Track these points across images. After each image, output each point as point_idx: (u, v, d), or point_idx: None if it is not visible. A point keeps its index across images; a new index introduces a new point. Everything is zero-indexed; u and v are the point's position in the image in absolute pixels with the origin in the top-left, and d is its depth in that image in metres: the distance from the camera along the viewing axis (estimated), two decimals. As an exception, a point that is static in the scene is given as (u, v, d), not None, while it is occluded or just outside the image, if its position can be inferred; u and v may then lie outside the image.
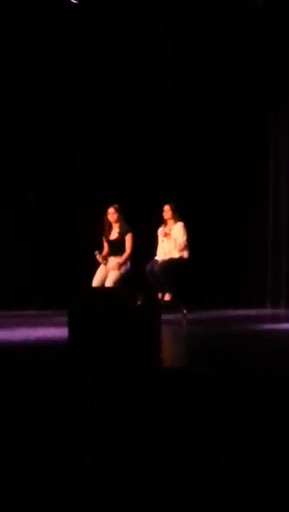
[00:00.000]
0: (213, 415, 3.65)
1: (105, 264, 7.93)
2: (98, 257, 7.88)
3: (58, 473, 2.78)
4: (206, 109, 9.63)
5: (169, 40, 9.49)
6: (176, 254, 8.07)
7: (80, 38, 9.47)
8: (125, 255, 7.94)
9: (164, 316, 5.58)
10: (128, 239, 7.98)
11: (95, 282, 7.82)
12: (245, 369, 4.71)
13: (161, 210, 8.24)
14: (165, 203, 8.23)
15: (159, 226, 8.28)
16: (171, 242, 8.13)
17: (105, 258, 7.96)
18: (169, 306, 7.72)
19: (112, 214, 7.99)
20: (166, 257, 8.06)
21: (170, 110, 9.64)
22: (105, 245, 8.08)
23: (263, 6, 8.98)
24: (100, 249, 7.99)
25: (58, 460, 2.96)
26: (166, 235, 8.17)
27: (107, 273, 7.85)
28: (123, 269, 7.89)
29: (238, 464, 2.90)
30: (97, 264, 7.96)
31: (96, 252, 7.90)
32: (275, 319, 8.61)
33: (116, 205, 8.04)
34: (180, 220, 8.18)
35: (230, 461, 2.95)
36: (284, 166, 9.49)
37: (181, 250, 8.09)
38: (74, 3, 9.02)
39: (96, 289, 7.42)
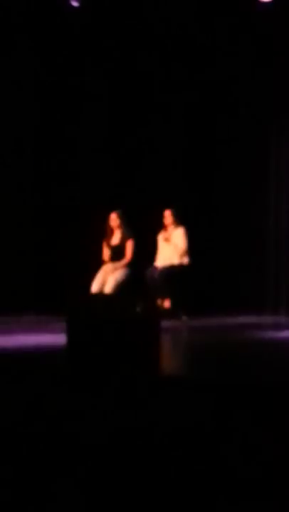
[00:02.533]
0: (212, 423, 3.64)
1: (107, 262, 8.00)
2: (104, 245, 7.97)
3: (58, 482, 2.78)
4: (208, 114, 9.61)
5: (169, 48, 9.47)
6: (176, 260, 8.06)
7: (80, 43, 9.47)
8: (125, 261, 7.97)
9: (164, 323, 5.56)
10: (129, 245, 8.02)
11: (95, 288, 7.83)
12: (245, 377, 4.69)
13: (162, 216, 8.24)
14: (166, 208, 8.24)
15: (159, 232, 8.28)
16: (172, 247, 8.12)
17: (106, 262, 8.01)
18: (169, 313, 7.71)
19: (114, 220, 8.07)
20: (166, 263, 8.05)
21: (171, 115, 9.63)
22: (106, 250, 8.10)
23: (264, 11, 8.94)
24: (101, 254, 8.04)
25: (58, 468, 2.96)
26: (166, 240, 8.17)
27: (107, 279, 7.86)
28: (123, 275, 7.89)
29: (237, 470, 2.90)
30: (96, 270, 7.97)
31: (104, 243, 7.99)
32: (275, 327, 8.58)
33: (118, 211, 8.09)
34: (181, 225, 8.19)
35: (229, 467, 2.96)
36: (285, 175, 9.46)
37: (182, 256, 8.08)
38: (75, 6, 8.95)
39: (95, 295, 7.42)
